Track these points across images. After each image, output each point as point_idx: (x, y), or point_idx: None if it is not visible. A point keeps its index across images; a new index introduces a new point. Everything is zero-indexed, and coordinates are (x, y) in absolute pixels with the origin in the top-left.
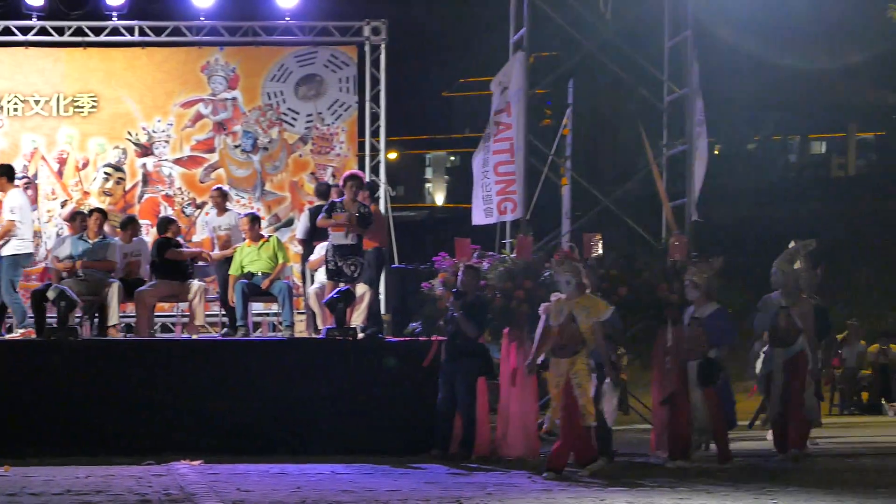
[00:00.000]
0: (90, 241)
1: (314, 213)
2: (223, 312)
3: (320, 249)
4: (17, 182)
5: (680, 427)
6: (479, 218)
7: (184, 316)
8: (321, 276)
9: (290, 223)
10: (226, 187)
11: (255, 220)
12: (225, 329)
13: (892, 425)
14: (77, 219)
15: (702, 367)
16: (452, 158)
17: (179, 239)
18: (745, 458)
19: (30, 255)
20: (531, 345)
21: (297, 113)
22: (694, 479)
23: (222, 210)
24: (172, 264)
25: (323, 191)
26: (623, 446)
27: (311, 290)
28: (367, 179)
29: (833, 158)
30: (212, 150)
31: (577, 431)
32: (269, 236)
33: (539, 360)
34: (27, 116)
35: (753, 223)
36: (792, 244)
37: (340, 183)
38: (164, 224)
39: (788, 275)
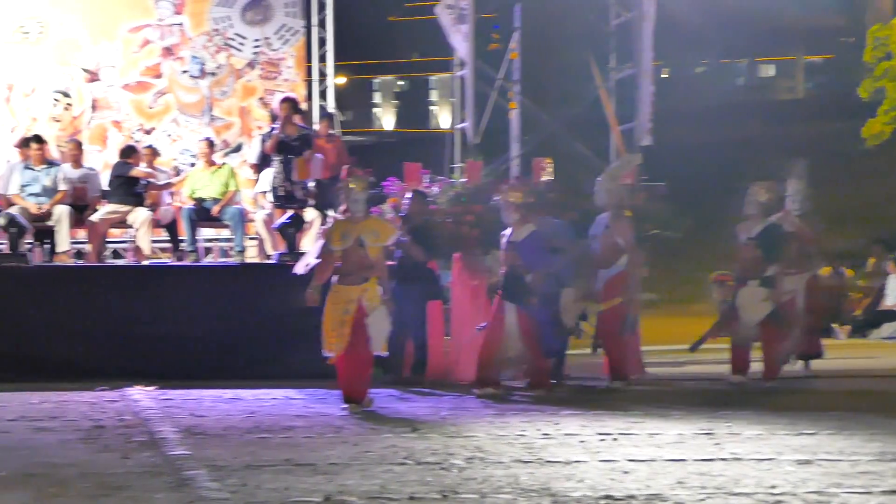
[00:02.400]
0: (37, 169)
1: (265, 138)
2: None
3: (265, 176)
4: None
5: (484, 352)
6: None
7: (134, 241)
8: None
9: (238, 148)
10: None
11: (211, 144)
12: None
13: (844, 348)
14: (28, 145)
15: (508, 284)
16: (400, 83)
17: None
18: (697, 381)
19: None
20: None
21: (245, 38)
22: (648, 402)
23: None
24: (125, 189)
25: (275, 115)
26: (576, 370)
27: (261, 215)
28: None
29: (781, 81)
30: (160, 76)
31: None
32: (223, 164)
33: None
34: None
35: (701, 147)
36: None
37: (276, 106)
38: (128, 151)
39: (612, 192)
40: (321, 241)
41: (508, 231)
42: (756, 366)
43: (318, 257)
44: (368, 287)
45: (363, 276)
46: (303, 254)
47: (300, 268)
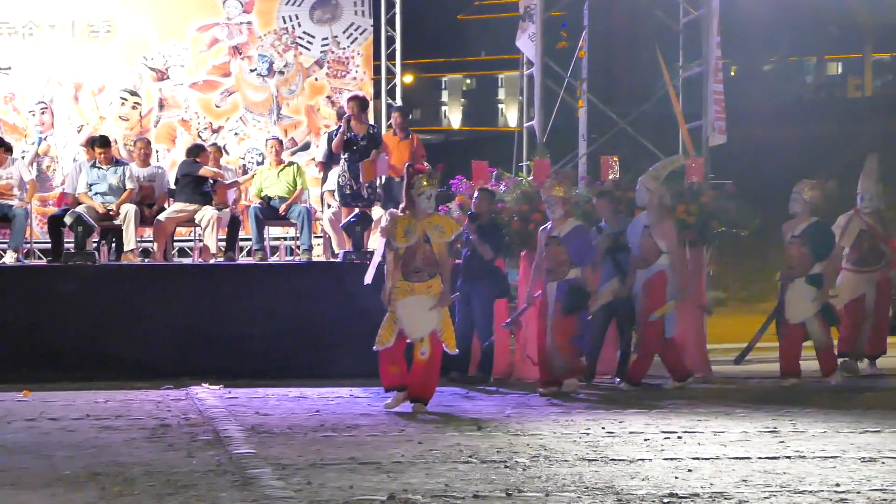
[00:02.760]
0: (104, 168)
1: (332, 136)
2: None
3: (332, 174)
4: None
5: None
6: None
7: (201, 240)
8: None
9: (306, 147)
10: (221, 143)
11: (279, 143)
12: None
13: None
14: (93, 144)
15: (563, 291)
16: (468, 81)
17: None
18: (762, 379)
19: None
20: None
21: (313, 37)
22: (713, 401)
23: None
24: (192, 188)
25: (342, 114)
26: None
27: (328, 214)
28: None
29: (849, 79)
30: (227, 75)
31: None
32: (291, 162)
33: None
34: (43, 41)
35: (769, 145)
36: (668, 162)
37: (344, 105)
38: (195, 150)
39: (654, 192)
40: (383, 242)
41: (548, 226)
42: (811, 364)
43: (382, 256)
44: (433, 284)
45: (430, 272)
46: (370, 256)
47: (369, 277)
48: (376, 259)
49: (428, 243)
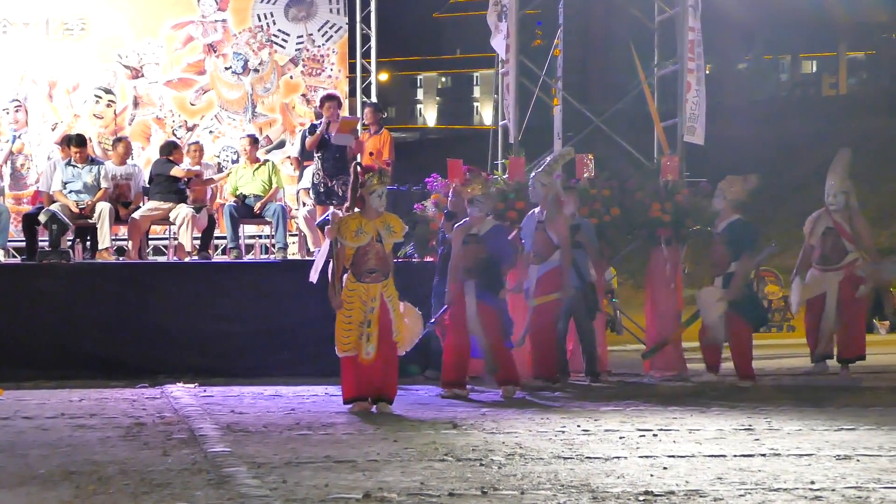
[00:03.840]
0: (79, 166)
1: (307, 134)
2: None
3: (307, 172)
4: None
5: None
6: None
7: (176, 238)
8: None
9: (281, 145)
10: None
11: (254, 141)
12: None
13: (884, 344)
14: (69, 145)
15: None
16: (444, 79)
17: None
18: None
19: None
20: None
21: (288, 34)
22: (688, 399)
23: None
24: (167, 186)
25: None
26: (616, 366)
27: (302, 212)
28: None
29: (824, 77)
30: (202, 73)
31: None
32: (266, 160)
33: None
34: (17, 39)
35: (744, 143)
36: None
37: (318, 104)
38: (168, 148)
39: (548, 187)
40: (327, 242)
41: (465, 223)
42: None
43: (329, 257)
44: (388, 284)
45: (384, 272)
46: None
47: (314, 276)
48: (320, 260)
49: (380, 243)
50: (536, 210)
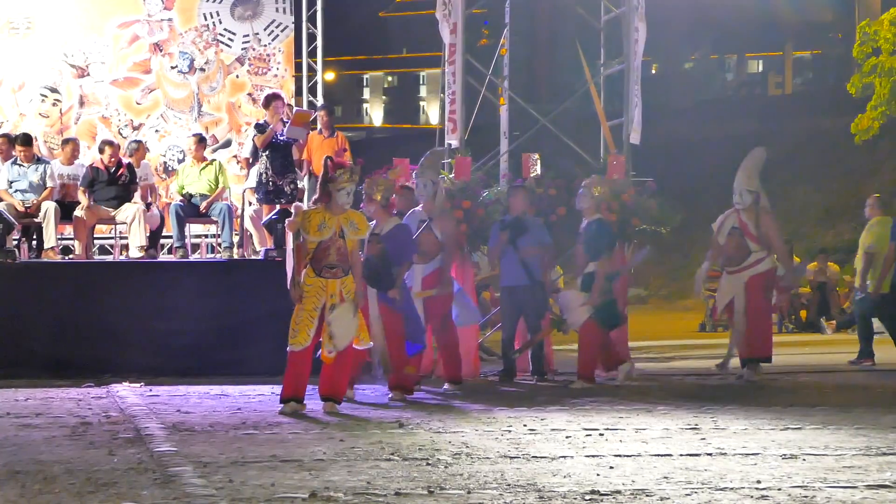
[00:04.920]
0: (25, 165)
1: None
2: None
3: (254, 172)
4: None
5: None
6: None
7: (122, 237)
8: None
9: (227, 144)
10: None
11: (201, 140)
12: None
13: (830, 343)
14: (12, 143)
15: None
16: (390, 79)
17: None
18: (683, 376)
19: None
20: (470, 265)
21: (234, 34)
22: (634, 398)
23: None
24: (107, 185)
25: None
26: (563, 365)
27: (249, 212)
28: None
29: (770, 77)
30: (148, 72)
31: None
32: (212, 159)
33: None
34: None
35: (690, 142)
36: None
37: (262, 104)
38: (101, 146)
39: (437, 185)
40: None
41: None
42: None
43: (293, 249)
44: (347, 281)
45: (344, 268)
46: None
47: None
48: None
49: (343, 239)
50: (418, 209)
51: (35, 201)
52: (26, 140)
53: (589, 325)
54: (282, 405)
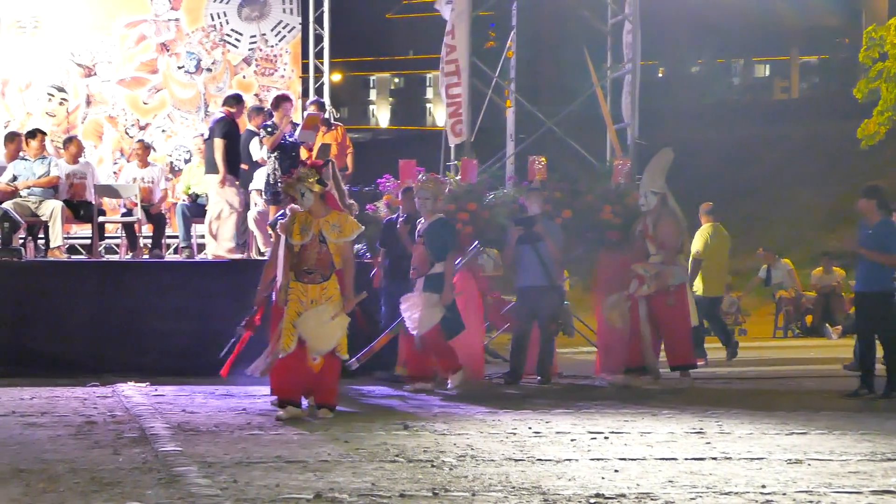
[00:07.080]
0: (31, 160)
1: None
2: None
3: (260, 173)
4: None
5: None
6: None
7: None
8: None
9: None
10: (149, 139)
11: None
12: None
13: (835, 348)
14: (14, 139)
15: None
16: (396, 80)
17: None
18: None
19: None
20: (476, 267)
21: (241, 34)
22: (639, 401)
23: (144, 163)
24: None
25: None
26: (567, 368)
27: (253, 213)
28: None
29: (776, 81)
30: (155, 72)
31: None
32: None
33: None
34: None
35: (696, 146)
36: None
37: (271, 105)
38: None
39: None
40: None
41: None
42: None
43: (276, 253)
44: (328, 286)
45: (323, 273)
46: None
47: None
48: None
49: (324, 243)
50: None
51: (37, 181)
52: (34, 134)
53: (435, 330)
54: (280, 411)
